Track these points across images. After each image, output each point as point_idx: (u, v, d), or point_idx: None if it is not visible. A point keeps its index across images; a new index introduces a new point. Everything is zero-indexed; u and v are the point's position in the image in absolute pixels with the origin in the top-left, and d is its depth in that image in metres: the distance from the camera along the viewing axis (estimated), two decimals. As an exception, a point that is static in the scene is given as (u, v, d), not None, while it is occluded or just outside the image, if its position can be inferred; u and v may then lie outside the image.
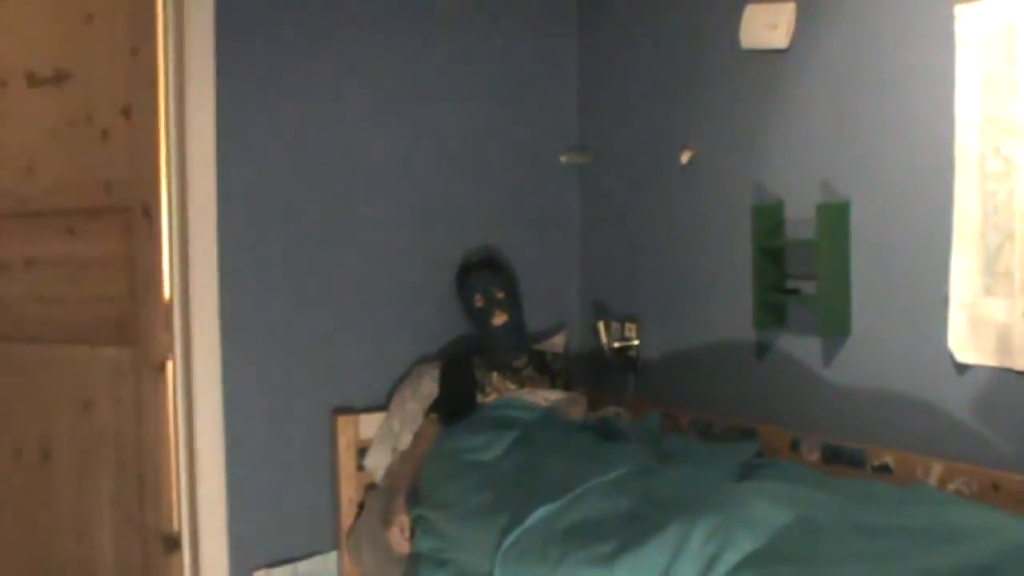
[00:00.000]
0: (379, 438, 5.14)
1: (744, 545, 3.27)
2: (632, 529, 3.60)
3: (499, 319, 5.14)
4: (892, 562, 3.06)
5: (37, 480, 5.02)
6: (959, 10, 3.63)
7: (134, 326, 4.92)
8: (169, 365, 4.95)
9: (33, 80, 4.97)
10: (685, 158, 4.90)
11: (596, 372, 5.51)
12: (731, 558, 3.27)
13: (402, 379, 5.29)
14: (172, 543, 4.96)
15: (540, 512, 3.93)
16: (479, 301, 5.14)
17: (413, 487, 4.69)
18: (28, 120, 5.05)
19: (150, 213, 4.91)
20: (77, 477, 4.96)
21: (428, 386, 5.15)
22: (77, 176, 4.91)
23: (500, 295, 5.15)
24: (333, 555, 5.14)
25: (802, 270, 4.33)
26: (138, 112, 4.88)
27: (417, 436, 4.98)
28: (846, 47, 4.14)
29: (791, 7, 4.33)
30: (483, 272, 5.21)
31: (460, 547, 4.20)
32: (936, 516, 3.31)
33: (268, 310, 5.03)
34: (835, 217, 4.13)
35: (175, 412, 4.96)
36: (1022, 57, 3.45)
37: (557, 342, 5.54)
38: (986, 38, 3.55)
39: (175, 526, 4.99)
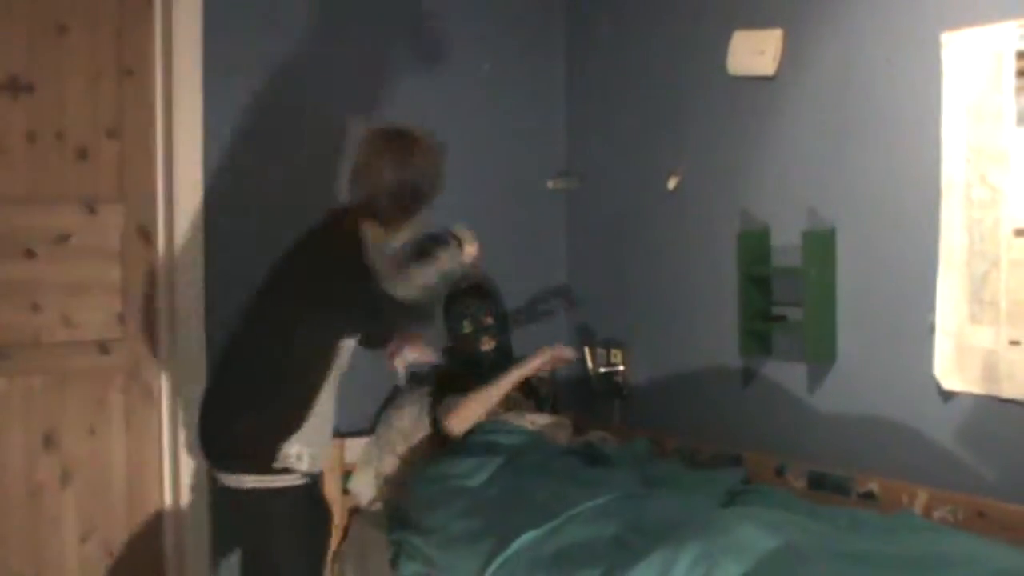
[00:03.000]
0: (363, 462, 5.13)
1: (730, 572, 3.27)
2: (618, 555, 3.60)
3: (487, 345, 5.16)
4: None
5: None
6: (946, 38, 3.64)
7: (121, 351, 4.91)
8: (155, 388, 4.95)
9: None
10: (672, 184, 4.91)
11: (582, 397, 5.50)
12: None
13: (386, 404, 5.29)
14: (160, 565, 4.96)
15: (526, 537, 3.92)
16: (467, 327, 5.16)
17: (398, 511, 4.70)
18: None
19: (149, 236, 4.91)
20: (35, 516, 4.90)
21: (410, 411, 5.15)
22: (40, 193, 4.84)
23: (488, 321, 5.16)
24: (318, 580, 5.13)
25: (788, 297, 4.34)
26: (131, 133, 4.88)
27: None
28: (833, 74, 4.15)
29: (778, 34, 4.34)
30: (471, 298, 5.22)
31: (445, 573, 4.19)
32: (922, 544, 3.31)
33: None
34: (821, 244, 4.14)
35: (161, 436, 4.97)
36: (1008, 85, 3.46)
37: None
38: (973, 66, 3.56)
39: (162, 549, 4.99)
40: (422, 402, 5.14)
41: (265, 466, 3.90)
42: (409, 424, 5.13)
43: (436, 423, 4.97)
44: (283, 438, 3.89)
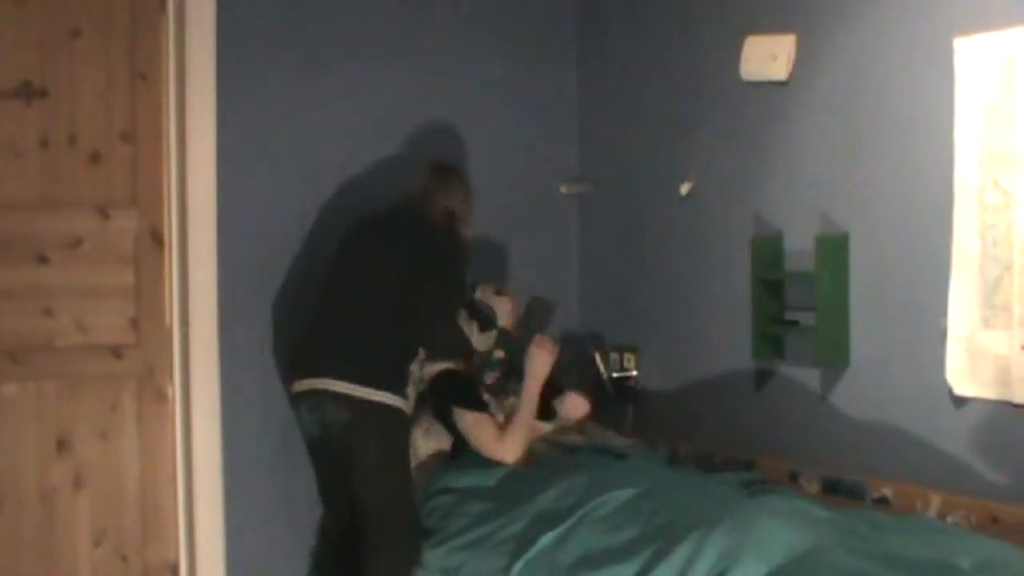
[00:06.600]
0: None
1: (750, 570, 3.28)
2: (641, 551, 3.62)
3: (490, 379, 5.15)
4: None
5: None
6: (958, 43, 3.63)
7: (134, 356, 4.92)
8: (168, 392, 4.96)
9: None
10: (685, 189, 4.90)
11: (595, 403, 5.48)
12: None
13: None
14: (171, 572, 4.97)
15: (545, 540, 3.94)
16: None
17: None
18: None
19: (161, 239, 4.91)
20: (49, 520, 4.90)
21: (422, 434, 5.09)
22: (53, 198, 4.86)
23: (499, 354, 5.17)
24: (330, 584, 5.13)
25: (801, 301, 4.33)
26: (144, 137, 4.89)
27: None
28: (846, 79, 4.14)
29: (791, 39, 4.34)
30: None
31: (468, 576, 4.21)
32: (942, 548, 3.31)
33: (268, 340, 5.03)
34: (834, 249, 4.14)
35: (175, 441, 4.98)
36: (1021, 90, 3.45)
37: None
38: (985, 71, 3.55)
39: (174, 555, 4.99)
40: (429, 422, 5.07)
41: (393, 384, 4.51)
42: (422, 445, 5.08)
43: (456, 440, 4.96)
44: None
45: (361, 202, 5.11)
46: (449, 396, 4.89)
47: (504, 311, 4.99)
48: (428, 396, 4.93)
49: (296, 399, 4.61)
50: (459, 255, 4.75)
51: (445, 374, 4.95)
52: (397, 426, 4.56)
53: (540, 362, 4.93)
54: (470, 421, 4.84)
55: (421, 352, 4.72)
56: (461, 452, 4.89)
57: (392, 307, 4.53)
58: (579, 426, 5.14)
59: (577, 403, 5.12)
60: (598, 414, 5.37)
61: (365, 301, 4.56)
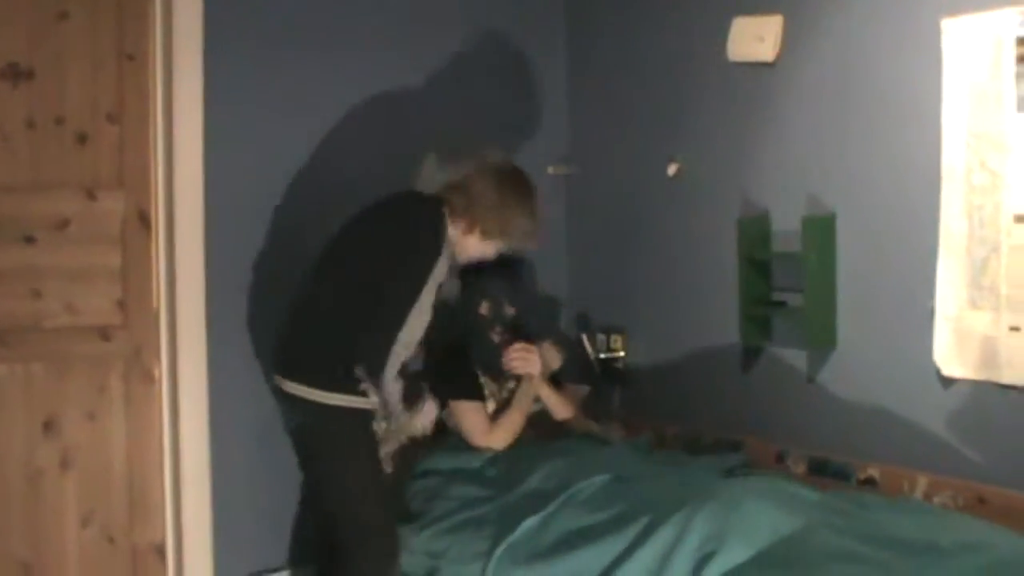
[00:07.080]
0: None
1: (736, 550, 3.29)
2: (624, 532, 3.63)
3: (498, 336, 4.95)
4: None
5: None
6: (946, 24, 3.64)
7: (122, 338, 4.91)
8: (156, 374, 4.95)
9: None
10: (672, 170, 4.90)
11: (581, 383, 5.49)
12: (723, 563, 3.30)
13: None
14: (158, 554, 4.97)
15: (527, 524, 3.94)
16: (485, 309, 4.94)
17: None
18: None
19: (148, 220, 4.90)
20: (35, 501, 4.89)
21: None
22: (40, 179, 4.83)
23: (509, 311, 4.98)
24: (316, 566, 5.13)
25: (788, 282, 4.34)
26: (131, 119, 4.87)
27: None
28: (833, 60, 4.15)
29: (778, 20, 4.34)
30: (498, 278, 4.99)
31: (452, 560, 4.20)
32: (928, 528, 3.33)
33: (255, 322, 5.02)
34: (821, 230, 4.14)
35: (162, 422, 4.97)
36: (1008, 71, 3.46)
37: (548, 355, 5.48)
38: (973, 52, 3.56)
39: (161, 536, 4.99)
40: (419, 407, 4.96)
41: (345, 386, 4.21)
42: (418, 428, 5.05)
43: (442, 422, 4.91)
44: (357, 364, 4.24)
45: (349, 185, 5.10)
46: (443, 386, 4.82)
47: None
48: (426, 374, 4.88)
49: (274, 392, 4.56)
50: (425, 264, 4.33)
51: (443, 355, 4.92)
52: (354, 428, 4.31)
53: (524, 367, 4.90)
54: (459, 410, 4.84)
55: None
56: (443, 432, 4.90)
57: (352, 305, 4.29)
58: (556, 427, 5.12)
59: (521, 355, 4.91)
60: (586, 400, 5.37)
61: (333, 296, 4.35)
